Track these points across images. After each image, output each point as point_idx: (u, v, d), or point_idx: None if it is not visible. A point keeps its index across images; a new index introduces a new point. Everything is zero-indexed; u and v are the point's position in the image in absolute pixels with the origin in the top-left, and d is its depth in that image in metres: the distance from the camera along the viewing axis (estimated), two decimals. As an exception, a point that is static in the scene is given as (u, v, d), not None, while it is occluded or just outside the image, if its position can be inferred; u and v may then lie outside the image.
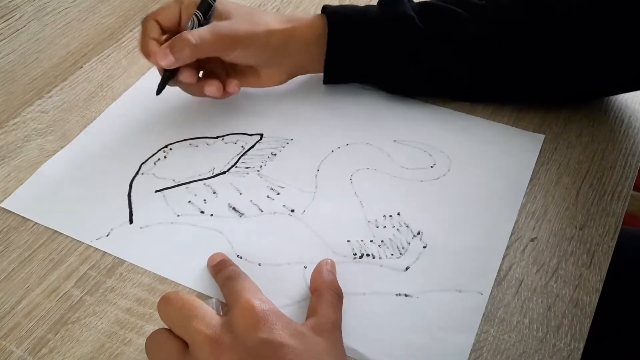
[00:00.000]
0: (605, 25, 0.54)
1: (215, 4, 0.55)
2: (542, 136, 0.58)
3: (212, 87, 0.56)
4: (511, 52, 0.56)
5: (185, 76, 0.55)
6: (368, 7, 0.59)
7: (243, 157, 0.57)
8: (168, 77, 0.55)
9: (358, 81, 0.61)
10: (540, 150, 0.56)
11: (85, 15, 0.73)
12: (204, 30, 0.53)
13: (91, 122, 0.60)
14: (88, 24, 0.72)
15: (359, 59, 0.58)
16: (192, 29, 0.54)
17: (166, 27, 0.55)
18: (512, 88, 0.59)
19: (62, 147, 0.58)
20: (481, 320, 0.45)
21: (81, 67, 0.66)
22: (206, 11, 0.54)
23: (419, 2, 0.58)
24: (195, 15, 0.54)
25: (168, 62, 0.53)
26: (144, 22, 0.56)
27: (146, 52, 0.54)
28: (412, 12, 0.57)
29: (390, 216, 0.52)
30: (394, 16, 0.57)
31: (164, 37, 0.56)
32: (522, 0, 0.57)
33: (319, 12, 0.59)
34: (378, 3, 0.59)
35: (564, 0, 0.55)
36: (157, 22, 0.55)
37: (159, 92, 0.55)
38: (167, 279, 0.48)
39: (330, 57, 0.58)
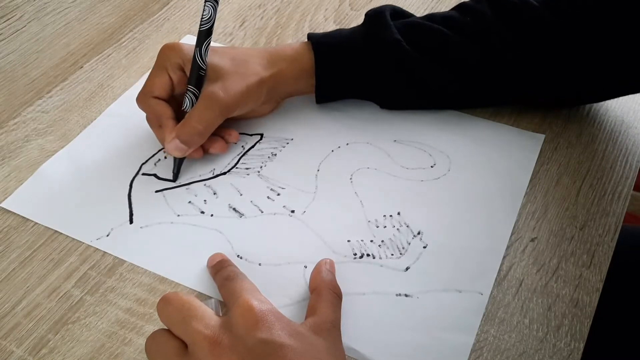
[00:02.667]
0: (595, 35, 0.54)
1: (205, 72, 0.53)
2: (542, 136, 0.58)
3: (217, 146, 0.56)
4: (498, 66, 0.56)
5: (194, 154, 0.55)
6: (353, 34, 0.58)
7: (243, 157, 0.57)
8: (180, 160, 0.55)
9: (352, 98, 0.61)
10: (541, 150, 0.56)
11: (85, 15, 0.73)
12: (203, 109, 0.52)
13: (91, 122, 0.60)
14: (88, 24, 0.72)
15: (350, 85, 0.59)
16: (190, 106, 0.53)
17: (164, 98, 0.54)
18: (503, 99, 0.59)
19: (62, 147, 0.58)
20: (481, 321, 0.45)
21: (81, 67, 0.66)
22: (198, 83, 0.53)
23: (403, 23, 0.57)
24: (192, 92, 0.53)
25: (182, 153, 0.53)
26: (145, 103, 0.54)
27: (166, 138, 0.53)
28: (398, 36, 0.56)
29: (391, 216, 0.52)
30: (381, 42, 0.56)
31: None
32: (503, 15, 0.56)
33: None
34: (364, 26, 0.58)
35: (549, 14, 0.55)
36: (156, 98, 0.54)
37: (176, 178, 0.55)
38: (167, 279, 0.48)
39: (321, 88, 0.58)
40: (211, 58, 0.54)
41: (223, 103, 0.53)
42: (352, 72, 0.57)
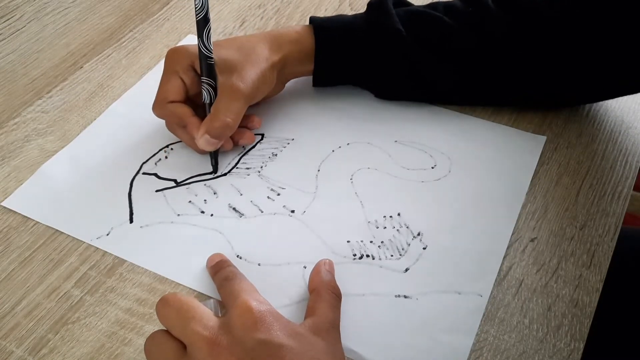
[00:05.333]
0: (594, 31, 0.54)
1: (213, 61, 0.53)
2: (544, 138, 0.57)
3: (246, 137, 0.56)
4: (496, 60, 0.56)
5: (226, 145, 0.55)
6: (355, 19, 0.58)
7: (244, 157, 0.57)
8: (216, 152, 0.55)
9: (349, 84, 0.61)
10: (541, 151, 0.56)
11: (85, 15, 0.73)
12: (229, 101, 0.52)
13: (91, 122, 0.60)
14: (88, 24, 0.72)
15: (347, 71, 0.59)
16: (210, 99, 0.53)
17: (180, 101, 0.55)
18: (502, 96, 0.59)
19: (62, 147, 0.58)
20: (481, 321, 0.45)
21: (81, 67, 0.66)
22: (210, 73, 0.53)
23: (406, 11, 0.58)
24: (207, 83, 0.53)
25: (214, 147, 0.53)
26: (163, 109, 0.54)
27: (196, 134, 0.53)
28: (399, 25, 0.56)
29: (391, 217, 0.52)
30: (381, 31, 0.56)
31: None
32: (507, 8, 0.56)
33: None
34: (365, 13, 0.58)
35: (550, 9, 0.55)
36: (173, 102, 0.54)
37: (216, 170, 0.55)
38: (167, 279, 0.48)
39: (318, 71, 0.59)
40: (218, 52, 0.54)
41: (244, 93, 0.53)
42: (351, 58, 0.58)
